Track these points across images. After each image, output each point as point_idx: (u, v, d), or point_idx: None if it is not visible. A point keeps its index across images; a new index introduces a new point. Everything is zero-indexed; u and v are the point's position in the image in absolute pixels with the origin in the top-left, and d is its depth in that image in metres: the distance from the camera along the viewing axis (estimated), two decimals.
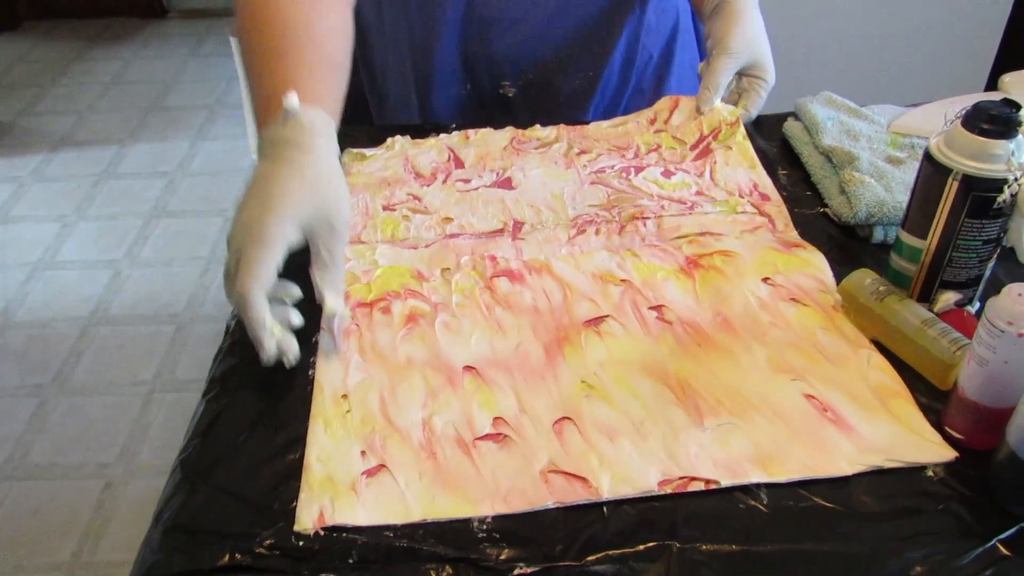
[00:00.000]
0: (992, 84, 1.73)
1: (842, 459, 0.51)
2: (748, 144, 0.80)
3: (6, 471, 1.57)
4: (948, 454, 0.52)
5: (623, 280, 0.66)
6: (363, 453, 0.53)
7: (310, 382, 0.59)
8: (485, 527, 0.49)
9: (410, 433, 0.54)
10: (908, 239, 0.61)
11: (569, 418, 0.54)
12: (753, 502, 0.50)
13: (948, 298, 0.61)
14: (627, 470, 0.51)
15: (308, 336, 0.61)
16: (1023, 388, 0.49)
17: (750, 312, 0.62)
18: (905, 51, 1.85)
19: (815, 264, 0.66)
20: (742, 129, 0.82)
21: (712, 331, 0.60)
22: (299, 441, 0.54)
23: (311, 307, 0.60)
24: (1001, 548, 0.48)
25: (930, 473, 0.52)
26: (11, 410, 1.70)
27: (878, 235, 0.70)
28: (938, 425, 0.55)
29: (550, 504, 0.49)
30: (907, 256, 0.62)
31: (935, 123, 0.64)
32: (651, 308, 0.63)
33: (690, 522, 0.49)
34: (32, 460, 1.59)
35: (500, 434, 0.54)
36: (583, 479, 0.50)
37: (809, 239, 0.71)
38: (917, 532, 0.48)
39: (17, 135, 2.64)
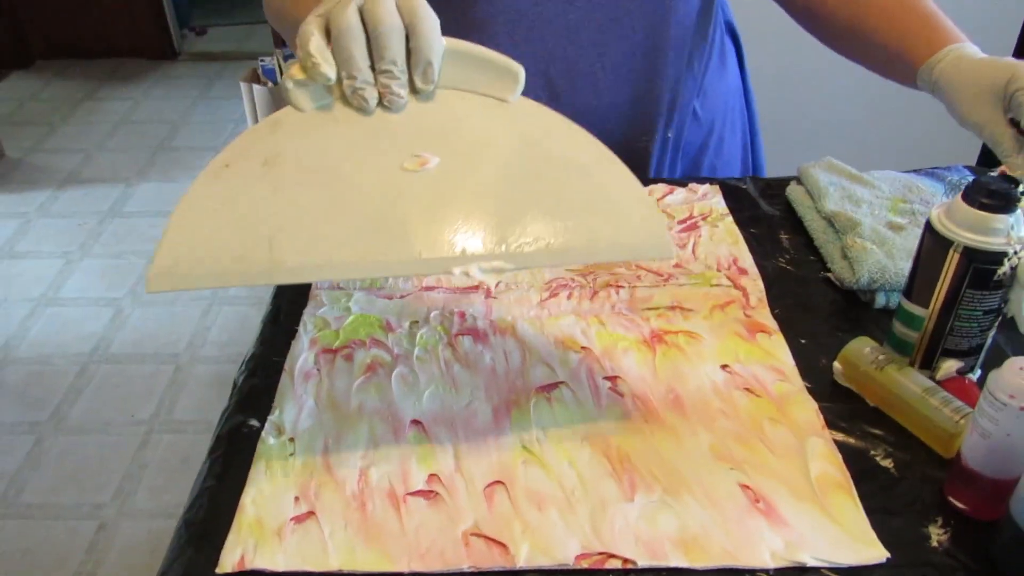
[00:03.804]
0: (985, 154, 1.77)
1: (767, 552, 0.51)
2: (735, 226, 0.82)
3: None
4: (879, 555, 0.51)
5: (583, 347, 0.67)
6: (296, 499, 0.54)
7: None
8: None
9: (345, 482, 0.55)
10: (910, 307, 0.62)
11: (502, 482, 0.55)
12: (760, 572, 0.50)
13: (950, 366, 0.62)
14: (547, 541, 0.51)
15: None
16: None
17: (703, 396, 0.62)
18: (903, 120, 1.89)
19: (776, 355, 0.66)
20: (730, 218, 0.83)
21: (662, 408, 0.61)
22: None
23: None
24: None
25: (935, 543, 0.52)
26: (7, 447, 1.69)
27: (880, 300, 0.71)
28: (940, 495, 0.55)
29: (465, 568, 0.50)
30: (909, 324, 0.62)
31: None
32: (606, 378, 0.64)
33: None
34: (25, 499, 1.58)
35: (432, 491, 0.54)
36: (503, 545, 0.51)
37: (811, 303, 0.72)
38: None
39: (25, 171, 2.67)
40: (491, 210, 0.53)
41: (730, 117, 0.98)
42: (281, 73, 2.30)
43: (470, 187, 0.54)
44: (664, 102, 0.89)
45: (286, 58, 2.33)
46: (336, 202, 0.52)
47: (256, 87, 2.25)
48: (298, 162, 0.53)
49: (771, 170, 0.96)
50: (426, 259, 0.51)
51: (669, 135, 0.91)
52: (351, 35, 0.51)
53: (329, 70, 0.52)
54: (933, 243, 0.59)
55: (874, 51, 0.74)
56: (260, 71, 2.33)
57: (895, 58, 0.71)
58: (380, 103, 0.54)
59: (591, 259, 0.55)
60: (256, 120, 2.32)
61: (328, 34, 0.52)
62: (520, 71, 0.56)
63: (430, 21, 0.52)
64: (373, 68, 0.52)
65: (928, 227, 0.60)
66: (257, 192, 0.52)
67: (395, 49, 0.52)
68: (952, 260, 0.58)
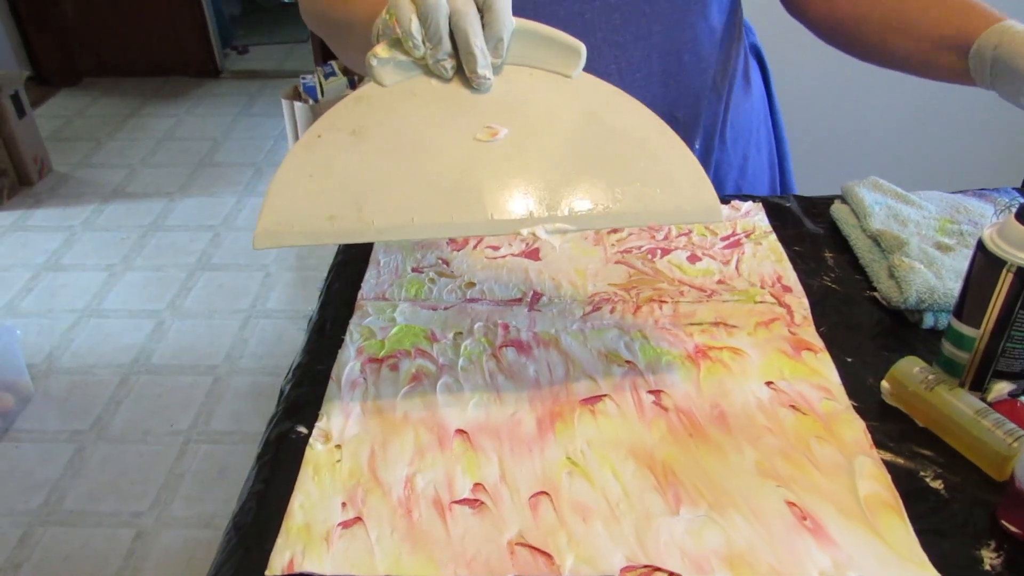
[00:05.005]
0: None
1: (815, 570, 0.50)
2: (778, 244, 0.82)
3: (41, 516, 1.59)
4: None
5: (627, 361, 0.67)
6: (344, 504, 0.54)
7: None
8: None
9: (391, 489, 0.56)
10: (960, 328, 0.61)
11: (547, 492, 0.55)
12: None
13: (1001, 388, 0.61)
14: (592, 552, 0.51)
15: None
16: None
17: (748, 412, 0.62)
18: (944, 140, 1.87)
19: (822, 373, 0.66)
20: (774, 235, 0.83)
21: (706, 423, 0.61)
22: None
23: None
24: None
25: (988, 567, 0.51)
26: (49, 455, 1.72)
27: (928, 321, 0.70)
28: (993, 518, 0.54)
29: None
30: (959, 344, 0.62)
31: None
32: (650, 392, 0.64)
33: None
34: (67, 506, 1.61)
35: (477, 500, 0.55)
36: (548, 555, 0.51)
37: (857, 322, 0.72)
38: None
39: (72, 186, 2.74)
40: (555, 177, 0.58)
41: (755, 138, 0.99)
42: (321, 91, 2.35)
43: (536, 156, 0.58)
44: (685, 110, 0.90)
45: (327, 76, 2.37)
46: (416, 169, 0.57)
47: (297, 104, 2.30)
48: (382, 133, 0.58)
49: (802, 191, 0.96)
50: (497, 221, 0.56)
51: (696, 146, 0.92)
52: (439, 11, 0.55)
53: (423, 49, 0.57)
54: (985, 263, 0.58)
55: (914, 46, 0.74)
56: (301, 88, 2.38)
57: (940, 46, 0.72)
58: (466, 81, 0.59)
59: (646, 222, 0.58)
60: (296, 136, 2.36)
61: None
62: (582, 48, 0.60)
63: (504, 0, 0.57)
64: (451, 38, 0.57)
65: (980, 247, 0.59)
66: (347, 160, 0.56)
67: (476, 30, 0.56)
68: (1005, 280, 0.57)
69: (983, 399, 0.61)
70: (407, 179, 0.56)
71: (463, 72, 0.59)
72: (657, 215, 0.58)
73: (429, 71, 0.59)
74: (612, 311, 0.73)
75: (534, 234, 0.56)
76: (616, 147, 0.59)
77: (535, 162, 0.58)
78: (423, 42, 0.57)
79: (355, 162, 0.57)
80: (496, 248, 0.81)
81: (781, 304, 0.73)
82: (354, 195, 0.55)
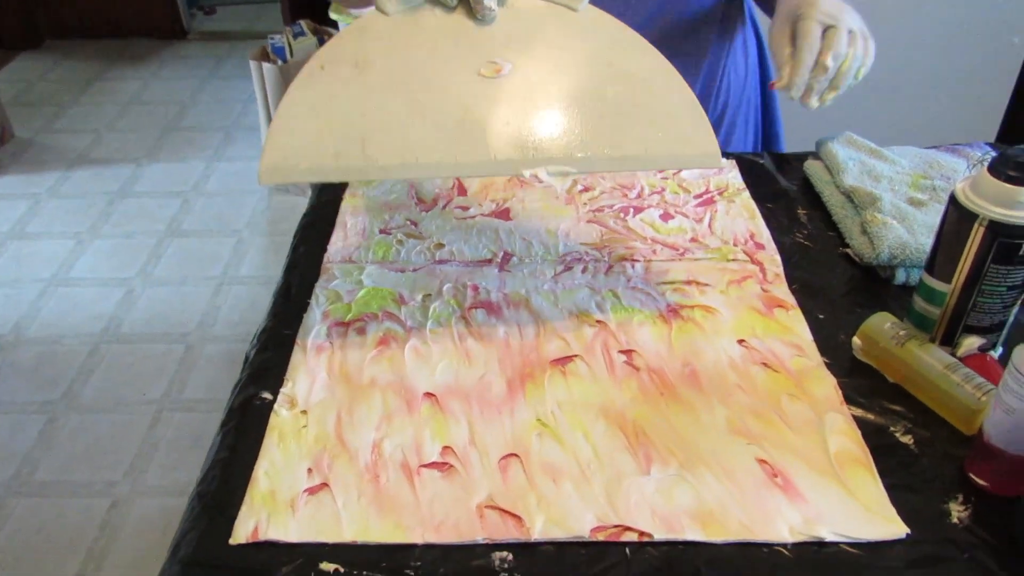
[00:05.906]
0: (1006, 126, 1.74)
1: (784, 526, 0.50)
2: (752, 201, 0.81)
3: (13, 487, 1.57)
4: (898, 531, 0.50)
5: (598, 321, 0.66)
6: (309, 470, 0.54)
7: None
8: (507, 566, 0.48)
9: (358, 454, 0.55)
10: (932, 282, 0.61)
11: (516, 455, 0.55)
12: (778, 547, 0.49)
13: (971, 343, 0.61)
14: (563, 513, 0.51)
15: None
16: None
17: (719, 370, 0.62)
18: (919, 98, 1.86)
19: (794, 330, 0.65)
20: (747, 193, 0.82)
21: (678, 382, 0.60)
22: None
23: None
24: None
25: (955, 520, 0.51)
26: (20, 426, 1.70)
27: (900, 277, 0.70)
28: (961, 472, 0.54)
29: (480, 539, 0.49)
30: (930, 299, 0.61)
31: None
32: (621, 352, 0.63)
33: (713, 566, 0.48)
34: (39, 477, 1.59)
35: (446, 463, 0.54)
36: (517, 517, 0.51)
37: (830, 279, 0.71)
38: None
39: (35, 152, 2.67)
40: (558, 118, 0.58)
41: (743, 108, 0.98)
42: (291, 51, 2.29)
43: (540, 95, 0.58)
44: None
45: (296, 36, 2.31)
46: (419, 106, 0.57)
47: (266, 65, 2.24)
48: (385, 66, 0.58)
49: (791, 146, 0.95)
50: (500, 161, 0.56)
51: None
52: None
53: None
54: (957, 217, 0.58)
55: None
56: (270, 49, 2.32)
57: None
58: (470, 12, 0.58)
59: (647, 167, 0.59)
60: (267, 98, 2.31)
61: None
62: None
63: None
64: None
65: (952, 200, 0.58)
66: (350, 94, 0.56)
67: None
68: (976, 234, 0.57)
69: (953, 354, 0.61)
70: (410, 116, 0.56)
71: (467, 3, 0.57)
72: (658, 159, 0.59)
73: None
74: (584, 271, 0.72)
75: (537, 176, 0.56)
76: (620, 88, 0.59)
77: (539, 101, 0.58)
78: None
79: (358, 97, 0.56)
80: (465, 209, 0.79)
81: (754, 261, 0.73)
82: (357, 131, 0.55)
